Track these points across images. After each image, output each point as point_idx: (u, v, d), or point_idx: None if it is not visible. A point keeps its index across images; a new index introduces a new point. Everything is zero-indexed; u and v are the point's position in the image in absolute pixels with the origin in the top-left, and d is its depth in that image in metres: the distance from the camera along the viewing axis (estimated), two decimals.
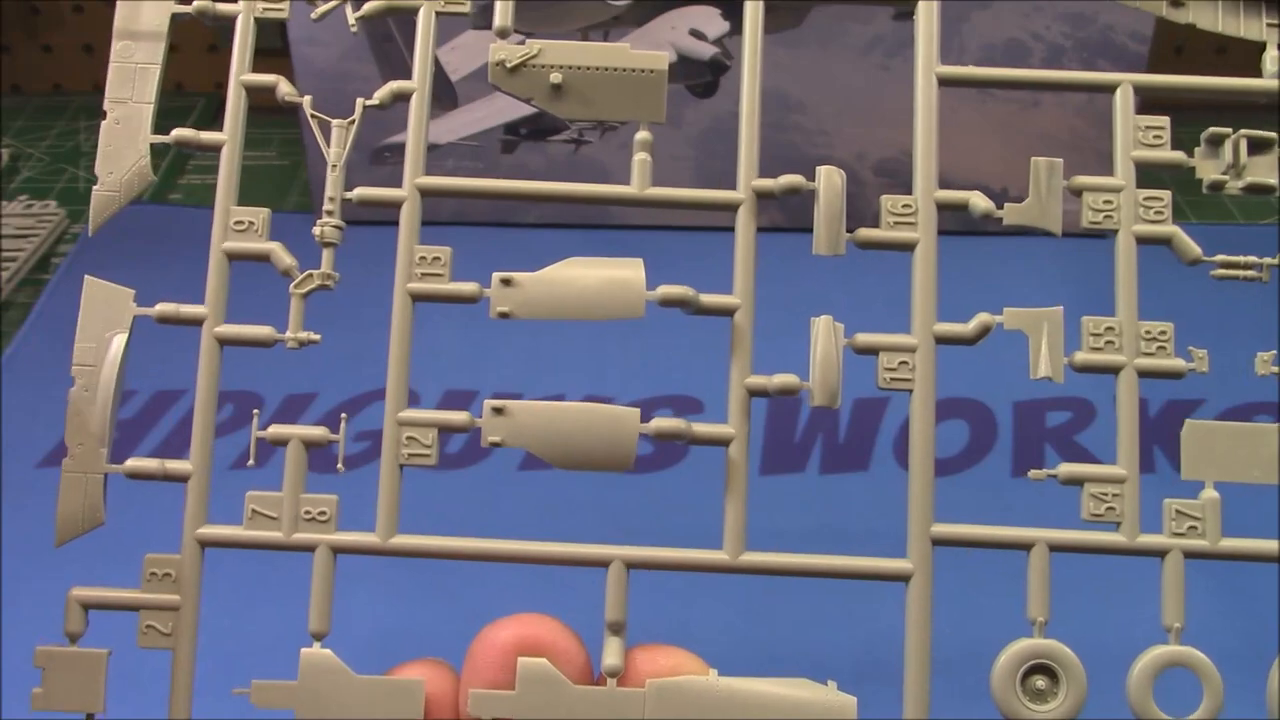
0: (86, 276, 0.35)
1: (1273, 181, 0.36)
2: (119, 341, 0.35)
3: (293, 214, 0.83)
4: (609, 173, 0.84)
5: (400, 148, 0.83)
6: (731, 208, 0.36)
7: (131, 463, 0.35)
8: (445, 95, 0.81)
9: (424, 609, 0.56)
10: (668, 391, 0.75)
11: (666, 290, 0.35)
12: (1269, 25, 0.38)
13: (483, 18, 0.84)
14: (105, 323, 0.35)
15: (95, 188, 0.36)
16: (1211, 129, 0.36)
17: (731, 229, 0.83)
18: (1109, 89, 0.37)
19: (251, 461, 0.35)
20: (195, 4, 0.37)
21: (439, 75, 0.85)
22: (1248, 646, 0.39)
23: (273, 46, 0.82)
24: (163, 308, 0.36)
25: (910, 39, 0.81)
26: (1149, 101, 0.38)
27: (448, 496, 0.66)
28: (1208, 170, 0.36)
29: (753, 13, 0.37)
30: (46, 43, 0.93)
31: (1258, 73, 0.38)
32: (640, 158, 0.36)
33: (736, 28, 0.83)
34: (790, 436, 0.73)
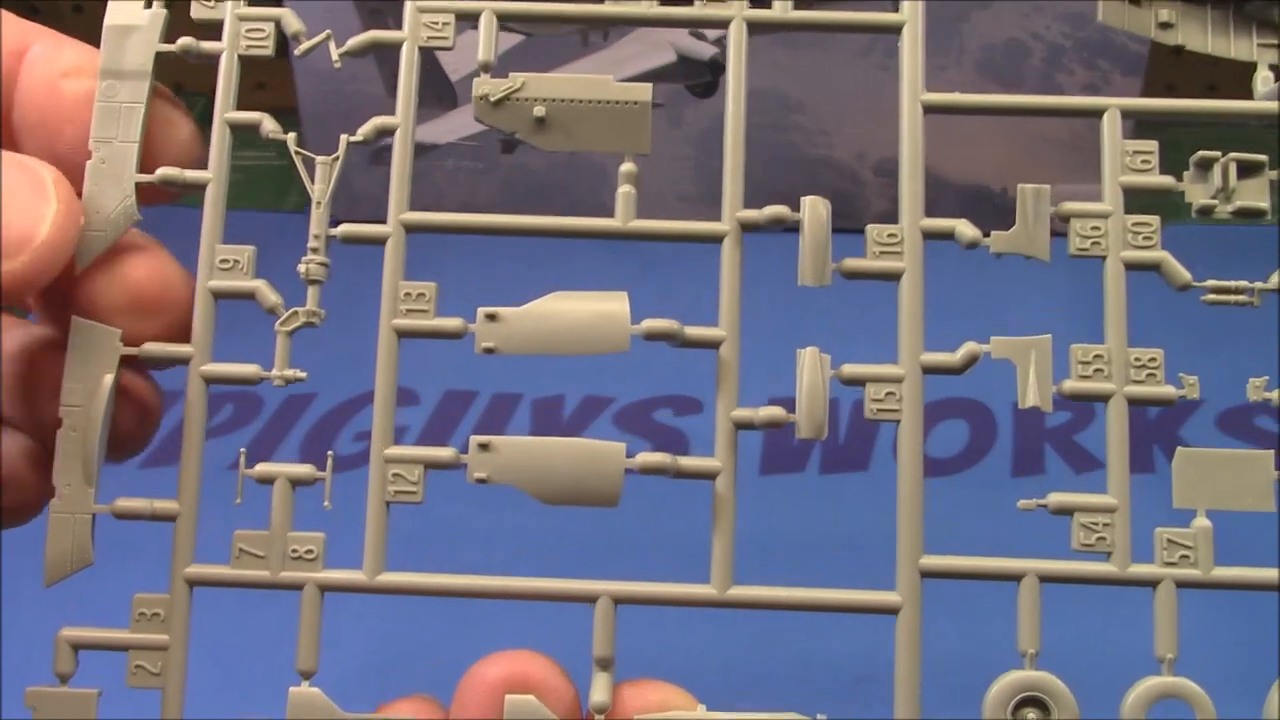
0: (74, 318, 0.35)
1: (1263, 205, 0.36)
2: (107, 382, 0.35)
3: (293, 214, 0.83)
4: (608, 173, 0.83)
5: None
6: (716, 239, 0.36)
7: (120, 503, 0.35)
8: (445, 95, 0.81)
9: (415, 629, 0.56)
10: (668, 391, 0.75)
11: (651, 324, 0.35)
12: (1260, 46, 0.37)
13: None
14: (92, 363, 0.35)
15: (82, 228, 0.35)
16: (1201, 153, 0.36)
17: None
18: (1096, 113, 0.37)
19: (238, 500, 0.35)
20: (179, 42, 0.37)
21: (439, 75, 0.84)
22: (1244, 666, 0.38)
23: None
24: (150, 347, 0.36)
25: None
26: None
27: (448, 496, 0.66)
28: (1197, 195, 0.36)
29: (737, 39, 0.37)
30: None
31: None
32: (624, 190, 0.36)
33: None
34: (790, 436, 0.73)
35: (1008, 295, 0.67)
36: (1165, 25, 0.38)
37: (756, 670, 0.57)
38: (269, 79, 0.94)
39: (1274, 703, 0.35)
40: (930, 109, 0.37)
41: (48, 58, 0.36)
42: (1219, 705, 0.35)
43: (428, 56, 0.82)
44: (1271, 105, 0.37)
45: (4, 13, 0.37)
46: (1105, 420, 0.36)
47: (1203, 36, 0.38)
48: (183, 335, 0.36)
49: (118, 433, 0.36)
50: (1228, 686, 0.36)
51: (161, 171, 0.36)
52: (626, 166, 0.36)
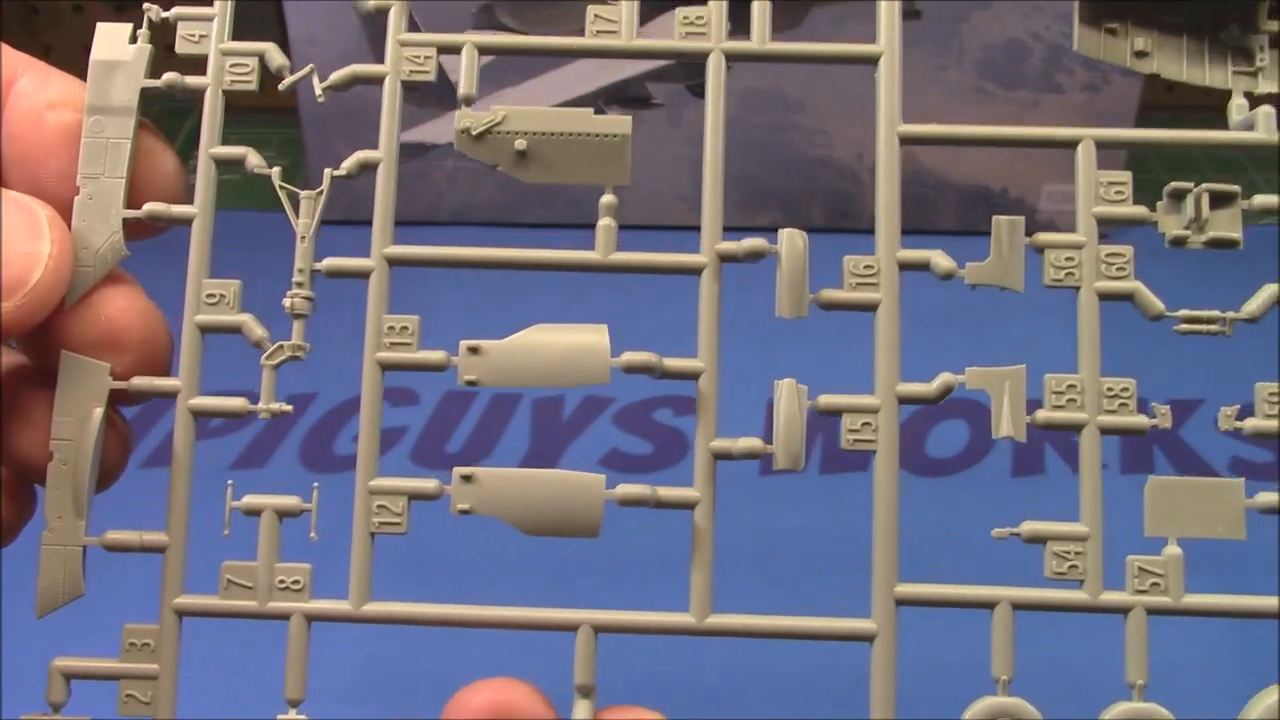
0: (64, 352, 0.36)
1: (1235, 235, 0.36)
2: (96, 415, 0.36)
3: None
4: None
5: (404, 148, 0.84)
6: (695, 271, 0.36)
7: (110, 535, 0.36)
8: (445, 95, 0.81)
9: (402, 651, 0.57)
10: (668, 391, 0.76)
11: (630, 357, 0.36)
12: (1235, 73, 0.38)
13: (484, 17, 0.84)
14: (82, 397, 0.36)
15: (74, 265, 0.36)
16: (1173, 184, 0.36)
17: (731, 228, 0.83)
18: (1070, 145, 0.37)
19: (226, 532, 0.36)
20: (164, 78, 0.37)
21: (439, 75, 0.85)
22: (1216, 689, 0.39)
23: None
24: (138, 382, 0.36)
25: (910, 39, 0.81)
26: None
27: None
28: (1170, 225, 0.37)
29: (716, 71, 0.37)
30: (46, 43, 0.94)
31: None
32: (604, 223, 0.37)
33: (737, 28, 0.84)
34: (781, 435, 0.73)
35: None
36: (1141, 54, 0.38)
37: (742, 683, 0.57)
38: (269, 79, 0.95)
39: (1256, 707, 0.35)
40: (906, 140, 0.37)
41: (34, 90, 0.37)
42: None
43: None
44: (1247, 135, 0.37)
45: None
46: (1080, 450, 0.36)
47: (1178, 65, 0.38)
48: (155, 370, 0.36)
49: (102, 464, 0.37)
50: (1199, 710, 0.36)
51: (148, 207, 0.37)
52: (607, 199, 0.37)
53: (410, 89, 0.38)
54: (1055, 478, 0.67)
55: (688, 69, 0.84)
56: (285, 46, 0.77)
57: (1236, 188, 0.36)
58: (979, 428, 0.73)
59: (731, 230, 0.84)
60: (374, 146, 0.37)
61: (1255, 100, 0.38)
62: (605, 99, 0.83)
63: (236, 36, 0.39)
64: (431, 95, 0.84)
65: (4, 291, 0.34)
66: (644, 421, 0.74)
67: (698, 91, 0.84)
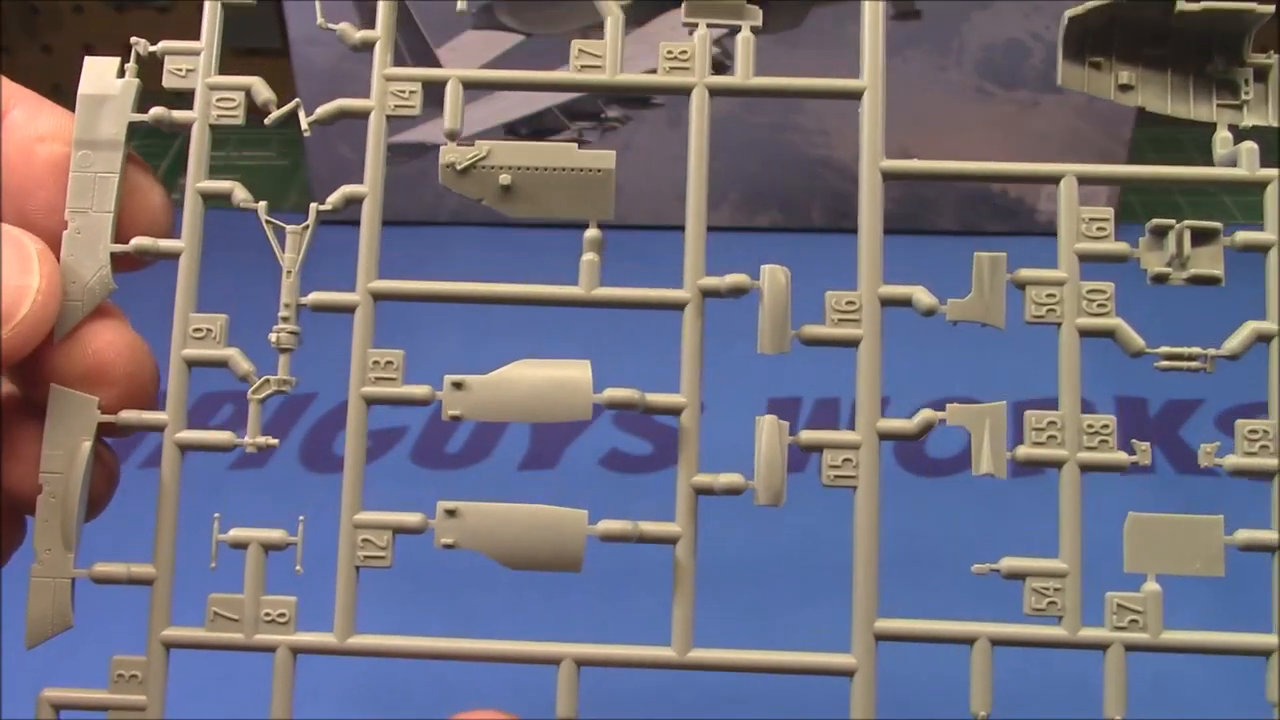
0: (53, 386, 0.36)
1: (1217, 272, 0.37)
2: (85, 449, 0.36)
3: (292, 214, 0.84)
4: None
5: (404, 148, 0.84)
6: (678, 307, 0.37)
7: (98, 568, 0.36)
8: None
9: (390, 675, 0.57)
10: (668, 391, 0.76)
11: (613, 394, 0.36)
12: (1219, 106, 0.38)
13: (483, 17, 0.84)
14: (71, 431, 0.36)
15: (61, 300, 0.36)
16: (1155, 220, 0.37)
17: (731, 229, 0.83)
18: (1053, 180, 0.37)
19: (213, 565, 0.36)
20: (152, 112, 0.37)
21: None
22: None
23: (272, 47, 0.82)
24: (126, 415, 0.37)
25: (910, 40, 0.81)
26: None
27: (448, 496, 0.66)
28: (1152, 262, 0.37)
29: (699, 106, 0.38)
30: (46, 43, 0.94)
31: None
32: (588, 258, 0.37)
33: (736, 28, 0.84)
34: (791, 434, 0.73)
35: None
36: (1125, 87, 0.38)
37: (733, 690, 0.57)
38: (269, 79, 0.94)
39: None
40: (889, 176, 0.37)
41: (25, 123, 0.37)
42: None
43: (427, 57, 0.83)
44: (1231, 171, 0.37)
45: None
46: (1060, 487, 0.36)
47: (1163, 98, 0.38)
48: (141, 402, 0.37)
49: (90, 495, 0.37)
50: None
51: (136, 242, 0.37)
52: (590, 234, 0.37)
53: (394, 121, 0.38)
54: (1054, 477, 0.67)
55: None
56: (285, 48, 0.77)
57: (1218, 225, 0.37)
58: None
59: (732, 230, 0.84)
60: (342, 210, 0.37)
61: (1240, 134, 0.38)
62: (605, 98, 0.83)
63: (237, 38, 0.39)
64: (431, 96, 0.83)
65: None
66: (644, 421, 0.74)
67: None
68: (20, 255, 0.35)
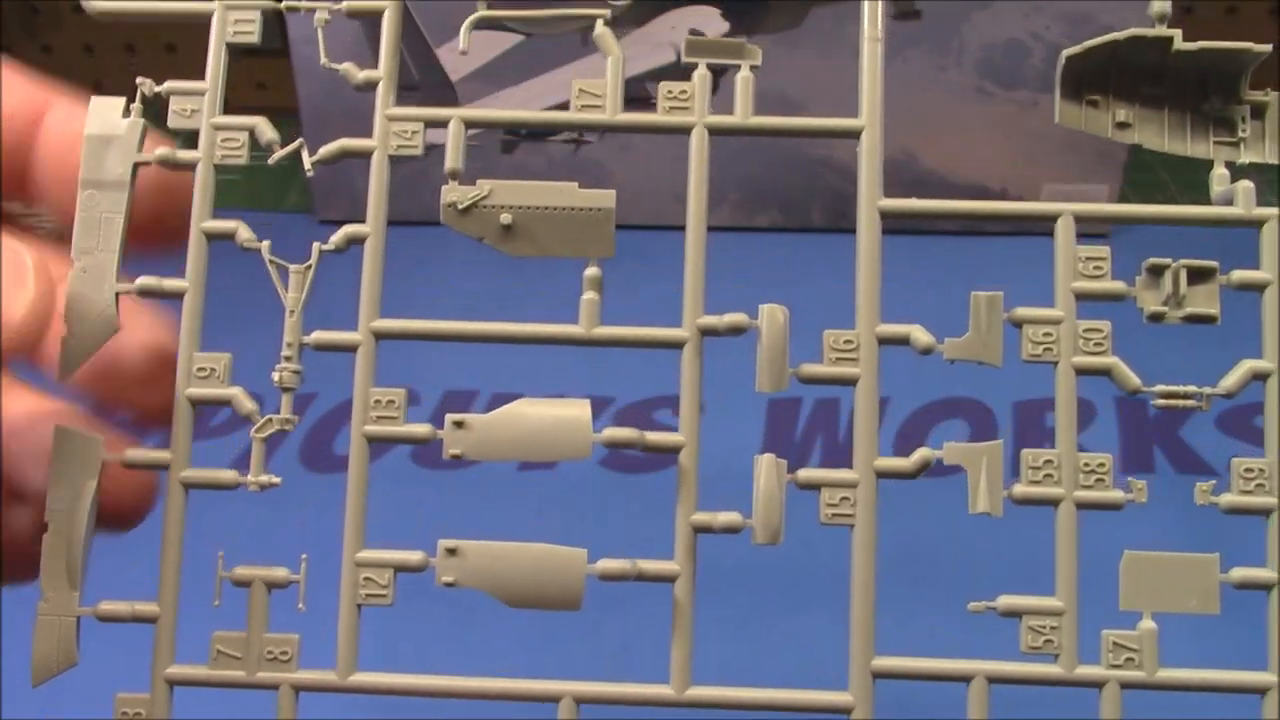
0: (55, 425, 0.36)
1: (1213, 311, 0.37)
2: (89, 488, 0.36)
3: (292, 214, 0.84)
4: (609, 173, 0.85)
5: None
6: (677, 345, 0.37)
7: (103, 606, 0.37)
8: (445, 95, 0.82)
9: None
10: (668, 391, 0.76)
11: (612, 433, 0.37)
12: (1216, 144, 0.38)
13: (485, 18, 0.84)
14: (76, 469, 0.36)
15: (64, 336, 0.37)
16: (1151, 260, 0.37)
17: (731, 229, 0.83)
18: (1050, 219, 0.37)
19: (216, 602, 0.36)
20: (157, 152, 0.38)
21: (439, 75, 0.85)
22: None
23: (273, 46, 0.83)
24: (131, 453, 0.37)
25: (910, 40, 0.81)
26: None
27: (448, 496, 0.67)
28: (1148, 301, 0.37)
29: (699, 146, 0.38)
30: (46, 43, 0.94)
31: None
32: (588, 297, 0.37)
33: (737, 28, 0.84)
34: (790, 436, 0.74)
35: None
36: (1122, 125, 0.38)
37: None
38: (269, 79, 0.94)
39: None
40: (887, 214, 0.37)
41: (69, 118, 0.38)
42: None
43: (428, 57, 0.83)
44: (1226, 211, 0.37)
45: (18, 76, 0.38)
46: (1056, 525, 0.36)
47: (1160, 136, 0.38)
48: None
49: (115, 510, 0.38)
50: None
51: (141, 281, 0.37)
52: (590, 272, 0.37)
53: (397, 162, 0.38)
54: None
55: (688, 71, 0.84)
56: (285, 47, 0.77)
57: (1214, 264, 0.37)
58: (979, 428, 0.74)
59: (732, 230, 0.85)
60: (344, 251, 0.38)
61: (1237, 173, 0.38)
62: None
63: (236, 40, 0.39)
64: (431, 96, 0.84)
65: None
66: (644, 421, 0.75)
67: None
68: (14, 266, 0.36)
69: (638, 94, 0.84)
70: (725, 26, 0.82)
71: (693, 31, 0.83)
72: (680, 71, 0.84)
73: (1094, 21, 0.78)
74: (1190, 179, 0.87)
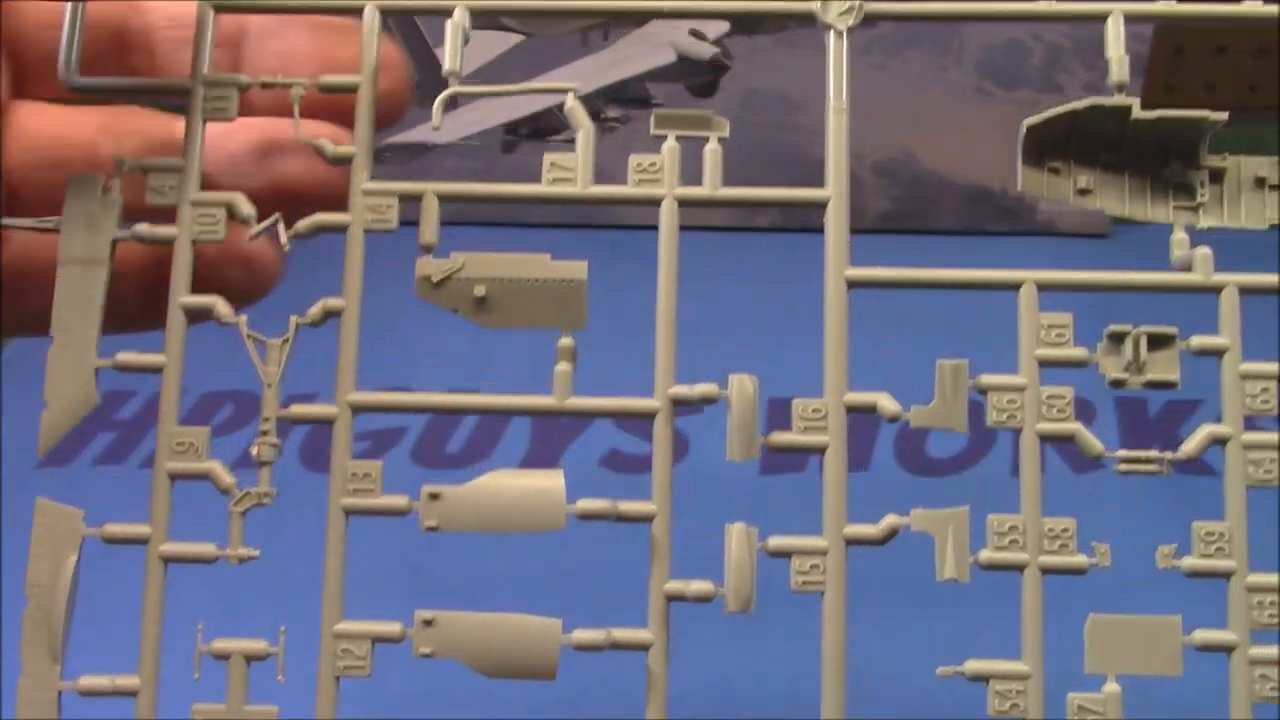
0: (37, 499, 0.37)
1: (1173, 378, 0.37)
2: (70, 563, 0.37)
3: None
4: (609, 173, 0.85)
5: (402, 148, 0.84)
6: (648, 416, 0.38)
7: (84, 680, 0.37)
8: None
9: None
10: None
11: (585, 505, 0.37)
12: (1176, 209, 0.39)
13: (484, 16, 0.85)
14: (57, 543, 0.37)
15: (44, 412, 0.37)
16: (1112, 326, 0.37)
17: (731, 229, 0.84)
18: (1013, 287, 0.38)
19: (196, 675, 0.37)
20: (135, 228, 0.38)
21: (438, 75, 0.85)
22: None
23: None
24: (111, 528, 0.38)
25: (910, 40, 0.82)
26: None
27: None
28: (1109, 367, 0.38)
29: (669, 218, 0.38)
30: None
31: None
32: (561, 368, 0.38)
33: (737, 27, 0.84)
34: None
35: None
36: (1083, 191, 0.39)
37: None
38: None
39: None
40: (854, 284, 0.38)
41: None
42: None
43: (427, 56, 0.83)
44: (1185, 277, 0.38)
45: None
46: (1021, 590, 0.37)
47: (1120, 201, 0.39)
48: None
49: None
50: None
51: (120, 356, 0.38)
52: (564, 342, 0.38)
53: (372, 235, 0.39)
54: (1054, 477, 0.68)
55: (688, 69, 0.85)
56: None
57: (1174, 330, 0.37)
58: (979, 428, 0.74)
59: (732, 230, 0.85)
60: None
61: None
62: (605, 99, 0.84)
63: (215, 116, 0.40)
64: (430, 96, 0.84)
65: None
66: (644, 422, 0.75)
67: (698, 91, 0.85)
68: None
69: (638, 94, 0.85)
70: (725, 26, 0.83)
71: (692, 31, 0.83)
72: (680, 71, 0.85)
73: (1095, 22, 0.78)
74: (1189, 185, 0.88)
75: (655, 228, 0.85)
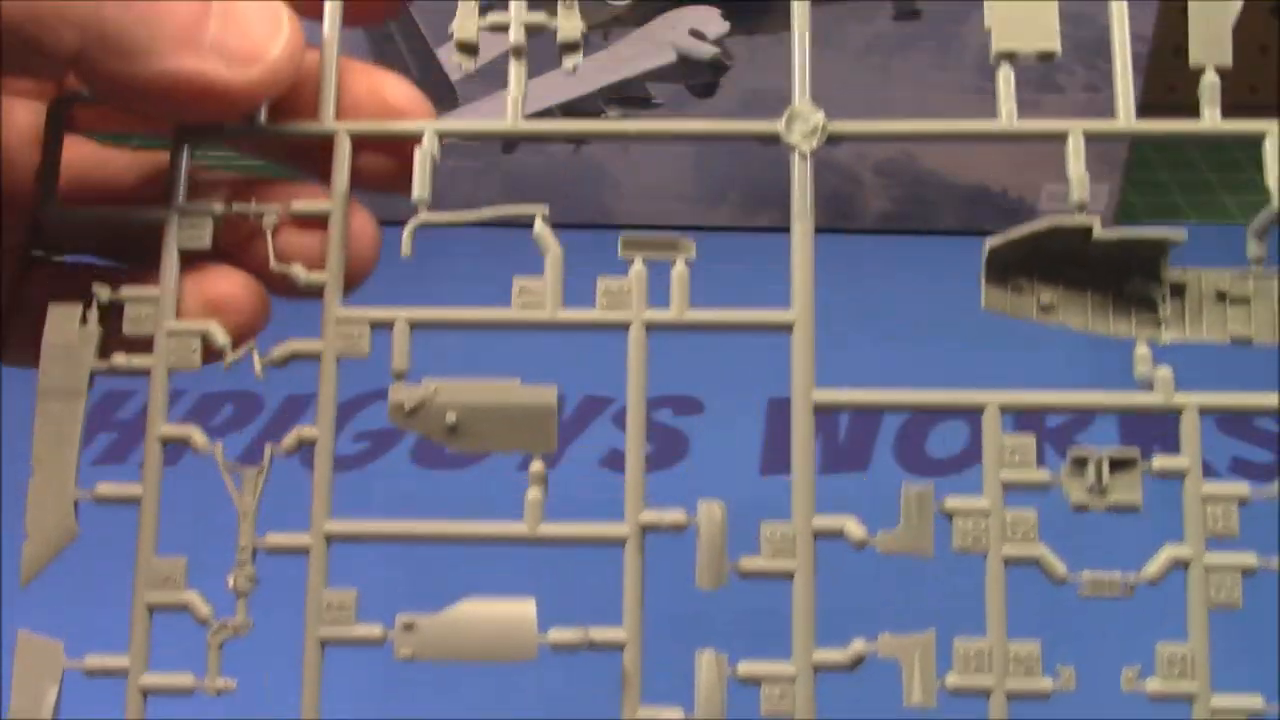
0: (20, 631, 0.38)
1: (1136, 500, 0.38)
2: (50, 696, 0.38)
3: None
4: (608, 173, 0.86)
5: None
6: (619, 542, 0.38)
7: None
8: (445, 96, 0.82)
9: None
10: (668, 391, 0.77)
11: (557, 635, 0.38)
12: (1138, 324, 0.39)
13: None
14: (38, 676, 0.38)
15: (25, 544, 0.38)
16: (1075, 451, 0.38)
17: (731, 228, 0.84)
18: (976, 410, 0.38)
19: None
20: (112, 359, 0.39)
21: (440, 76, 0.85)
22: None
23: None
24: (91, 661, 0.38)
25: (911, 40, 0.81)
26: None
27: (448, 497, 0.68)
28: (1073, 489, 0.38)
29: (637, 343, 0.39)
30: None
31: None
32: (532, 495, 0.38)
33: (737, 28, 0.84)
34: (788, 436, 0.75)
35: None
36: (1046, 308, 0.39)
37: None
38: None
39: None
40: (821, 408, 0.38)
41: None
42: None
43: (427, 55, 0.83)
44: (1143, 398, 0.38)
45: None
46: (989, 713, 0.38)
47: (1083, 316, 0.39)
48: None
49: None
50: None
51: (100, 488, 0.38)
52: (535, 467, 0.38)
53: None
54: (1055, 462, 0.69)
55: (688, 69, 0.84)
56: None
57: (1136, 453, 0.38)
58: (979, 428, 0.75)
59: (732, 230, 0.85)
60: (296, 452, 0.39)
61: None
62: (605, 99, 0.84)
63: (188, 246, 0.40)
64: (431, 97, 0.84)
65: (242, 58, 0.38)
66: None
67: (698, 91, 0.85)
68: (272, 9, 0.38)
69: (638, 94, 0.85)
70: (725, 26, 0.83)
71: (692, 31, 0.83)
72: (680, 72, 0.85)
73: (1094, 22, 0.77)
74: (1190, 179, 0.88)
75: (656, 227, 0.86)
